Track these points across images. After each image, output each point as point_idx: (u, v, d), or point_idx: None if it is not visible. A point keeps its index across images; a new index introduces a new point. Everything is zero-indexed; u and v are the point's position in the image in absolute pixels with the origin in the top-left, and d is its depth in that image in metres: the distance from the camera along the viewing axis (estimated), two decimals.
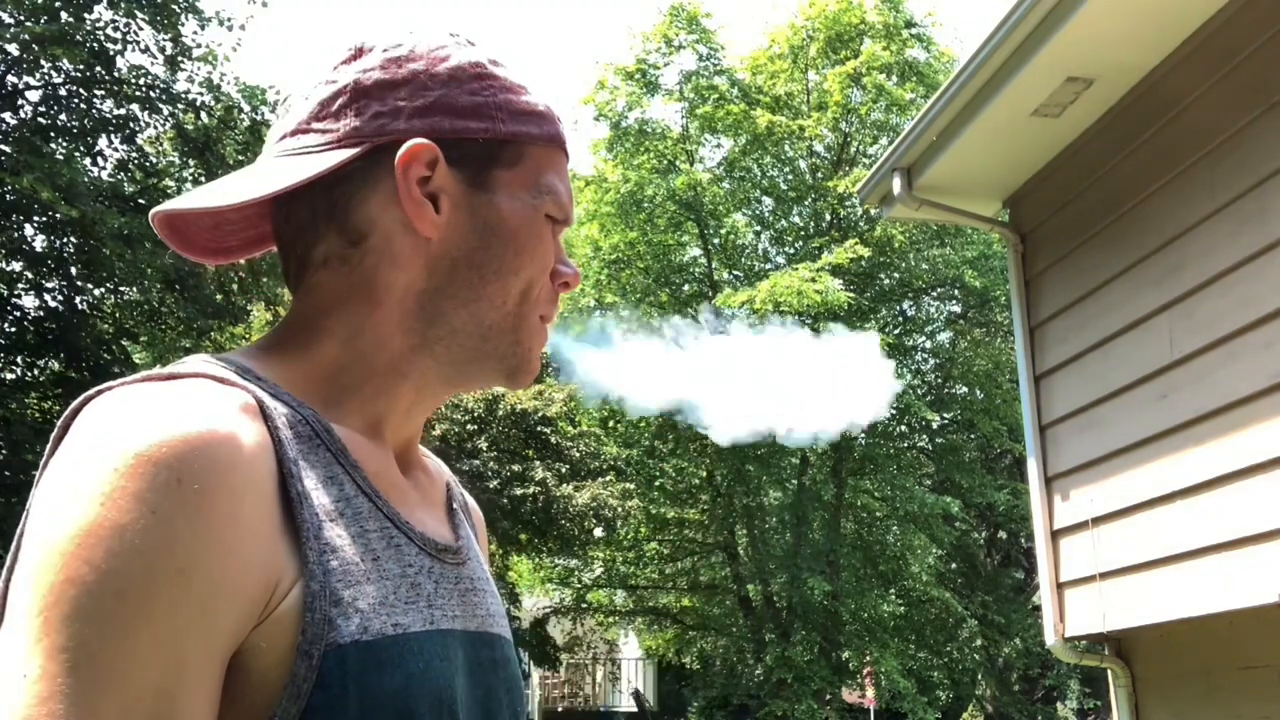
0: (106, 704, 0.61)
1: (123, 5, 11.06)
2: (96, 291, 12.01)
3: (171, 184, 13.03)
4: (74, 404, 0.73)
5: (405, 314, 0.84)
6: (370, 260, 0.83)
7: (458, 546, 0.88)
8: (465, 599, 0.84)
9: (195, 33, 11.97)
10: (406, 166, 0.82)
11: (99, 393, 0.73)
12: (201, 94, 12.12)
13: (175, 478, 0.65)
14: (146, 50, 11.58)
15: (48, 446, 0.72)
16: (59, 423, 0.73)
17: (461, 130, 0.84)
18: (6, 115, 10.88)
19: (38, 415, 11.02)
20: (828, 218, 16.02)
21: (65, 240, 11.30)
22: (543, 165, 0.88)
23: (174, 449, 0.66)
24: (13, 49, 10.48)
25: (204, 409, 0.70)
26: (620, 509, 13.35)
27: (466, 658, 0.81)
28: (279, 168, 0.83)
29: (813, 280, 13.18)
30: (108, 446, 0.66)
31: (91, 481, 0.65)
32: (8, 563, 0.69)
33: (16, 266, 11.36)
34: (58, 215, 10.14)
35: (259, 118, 12.33)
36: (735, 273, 15.85)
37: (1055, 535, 4.95)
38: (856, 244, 13.87)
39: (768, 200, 16.42)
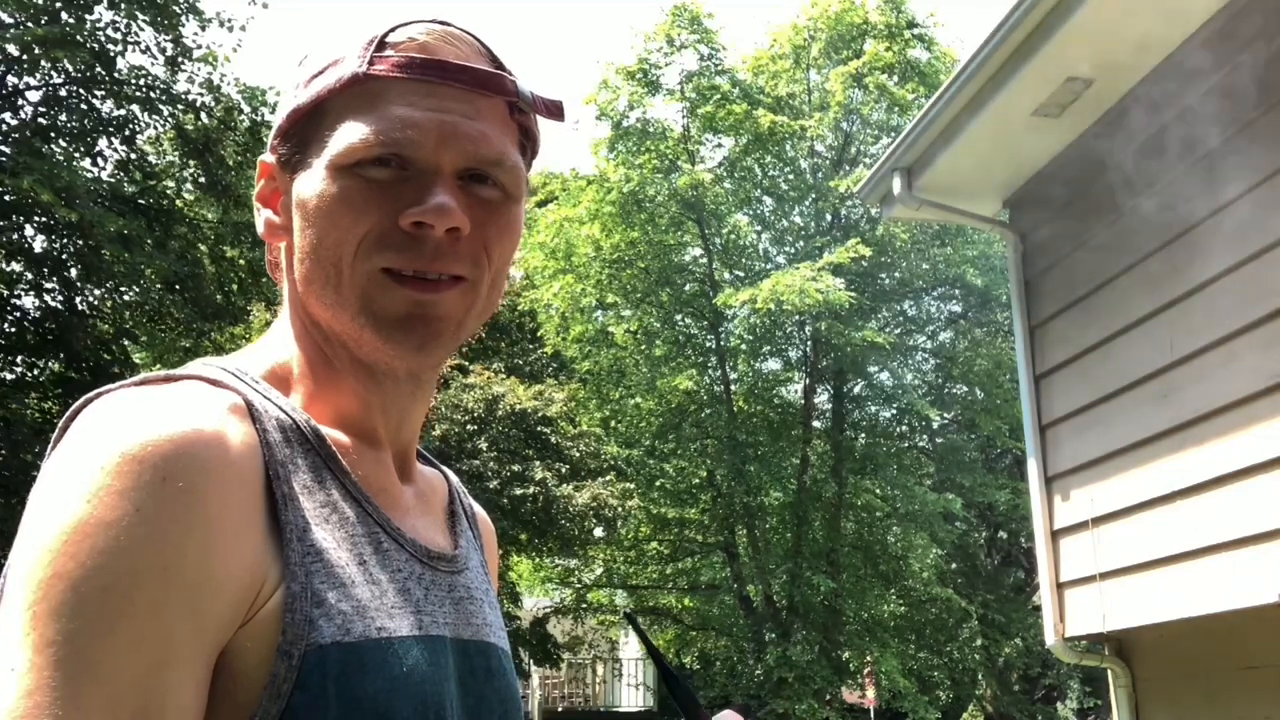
0: (91, 697, 0.62)
1: (123, 6, 11.07)
2: (96, 292, 12.02)
3: (171, 184, 13.04)
4: (73, 407, 0.74)
5: (300, 314, 0.85)
6: (281, 271, 0.88)
7: (453, 555, 0.87)
8: (459, 607, 0.84)
9: (196, 34, 12.02)
10: (256, 186, 0.87)
11: (96, 395, 0.74)
12: (202, 95, 12.14)
13: (160, 476, 0.66)
14: (147, 51, 11.60)
15: (48, 448, 0.74)
16: (59, 425, 0.74)
17: (277, 131, 0.85)
18: (6, 116, 10.89)
19: (38, 415, 11.03)
20: (829, 217, 16.01)
21: (65, 241, 11.32)
22: (342, 114, 0.80)
23: (159, 448, 0.67)
24: (13, 49, 10.48)
25: (192, 409, 0.71)
26: (620, 509, 13.35)
27: (458, 665, 0.80)
28: None
29: (814, 279, 13.17)
30: (97, 446, 0.68)
31: (80, 480, 0.66)
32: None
33: (16, 267, 11.37)
34: (57, 216, 10.16)
35: (259, 119, 12.35)
36: (736, 272, 15.83)
37: (1055, 535, 4.94)
38: (858, 244, 13.86)
39: (769, 200, 16.41)
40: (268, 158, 0.86)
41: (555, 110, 0.86)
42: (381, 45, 0.80)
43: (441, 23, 0.83)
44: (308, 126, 0.82)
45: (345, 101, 0.80)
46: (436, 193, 0.78)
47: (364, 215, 0.78)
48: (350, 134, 0.78)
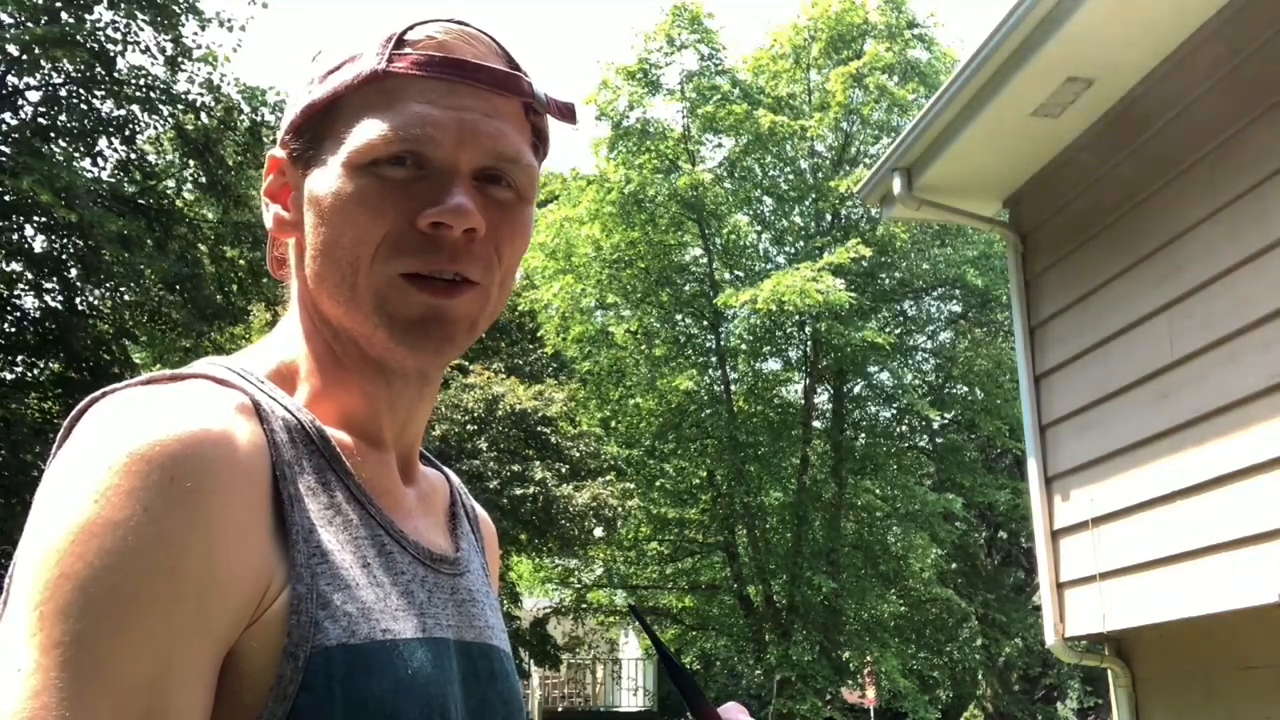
0: (98, 697, 0.62)
1: (123, 6, 11.07)
2: (96, 292, 12.02)
3: (171, 184, 13.05)
4: (79, 406, 0.74)
5: (309, 311, 0.85)
6: (289, 268, 0.88)
7: (455, 557, 0.87)
8: (462, 609, 0.84)
9: (195, 33, 11.99)
10: (265, 181, 0.86)
11: (103, 395, 0.74)
12: (202, 95, 12.14)
13: (168, 476, 0.66)
14: (147, 51, 11.59)
15: (53, 448, 0.73)
16: (64, 425, 0.74)
17: (289, 126, 0.85)
18: (6, 116, 10.88)
19: (38, 416, 11.04)
20: (829, 217, 16.02)
21: (65, 241, 11.32)
22: (359, 111, 0.79)
23: (167, 448, 0.67)
24: (13, 49, 10.47)
25: (199, 409, 0.71)
26: (620, 509, 13.36)
27: (461, 667, 0.80)
28: None
29: (814, 279, 13.17)
30: (104, 446, 0.67)
31: (87, 480, 0.66)
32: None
33: (16, 267, 11.37)
34: (57, 216, 10.16)
35: (259, 119, 12.35)
36: (736, 273, 15.83)
37: (1055, 535, 4.95)
38: (858, 244, 13.86)
39: (769, 200, 16.41)
40: (278, 152, 0.86)
41: (568, 113, 0.86)
42: (400, 43, 0.80)
43: (459, 22, 0.83)
44: (322, 122, 0.81)
45: (362, 98, 0.80)
46: (454, 193, 0.78)
47: (381, 216, 0.78)
48: (368, 131, 0.78)
